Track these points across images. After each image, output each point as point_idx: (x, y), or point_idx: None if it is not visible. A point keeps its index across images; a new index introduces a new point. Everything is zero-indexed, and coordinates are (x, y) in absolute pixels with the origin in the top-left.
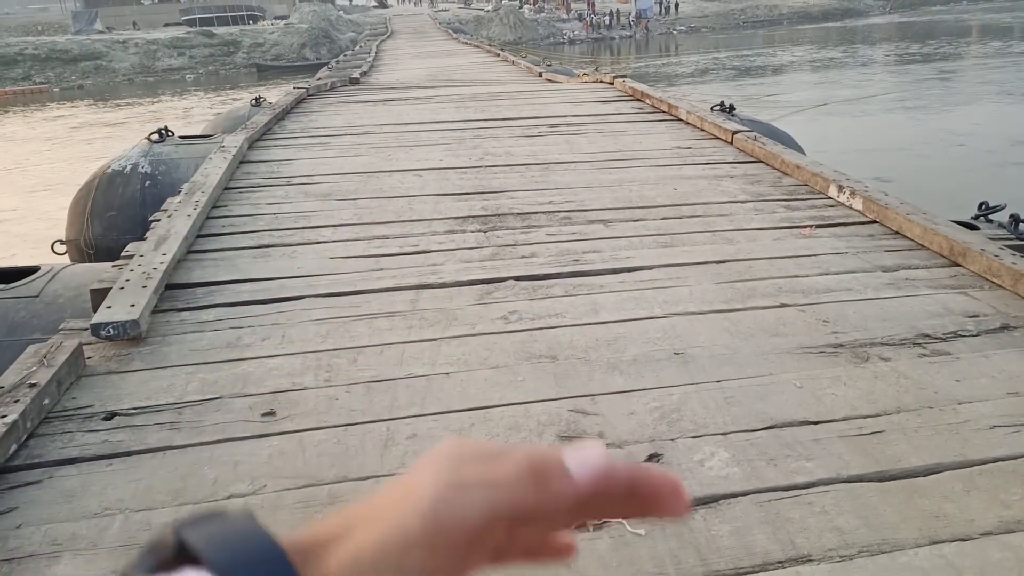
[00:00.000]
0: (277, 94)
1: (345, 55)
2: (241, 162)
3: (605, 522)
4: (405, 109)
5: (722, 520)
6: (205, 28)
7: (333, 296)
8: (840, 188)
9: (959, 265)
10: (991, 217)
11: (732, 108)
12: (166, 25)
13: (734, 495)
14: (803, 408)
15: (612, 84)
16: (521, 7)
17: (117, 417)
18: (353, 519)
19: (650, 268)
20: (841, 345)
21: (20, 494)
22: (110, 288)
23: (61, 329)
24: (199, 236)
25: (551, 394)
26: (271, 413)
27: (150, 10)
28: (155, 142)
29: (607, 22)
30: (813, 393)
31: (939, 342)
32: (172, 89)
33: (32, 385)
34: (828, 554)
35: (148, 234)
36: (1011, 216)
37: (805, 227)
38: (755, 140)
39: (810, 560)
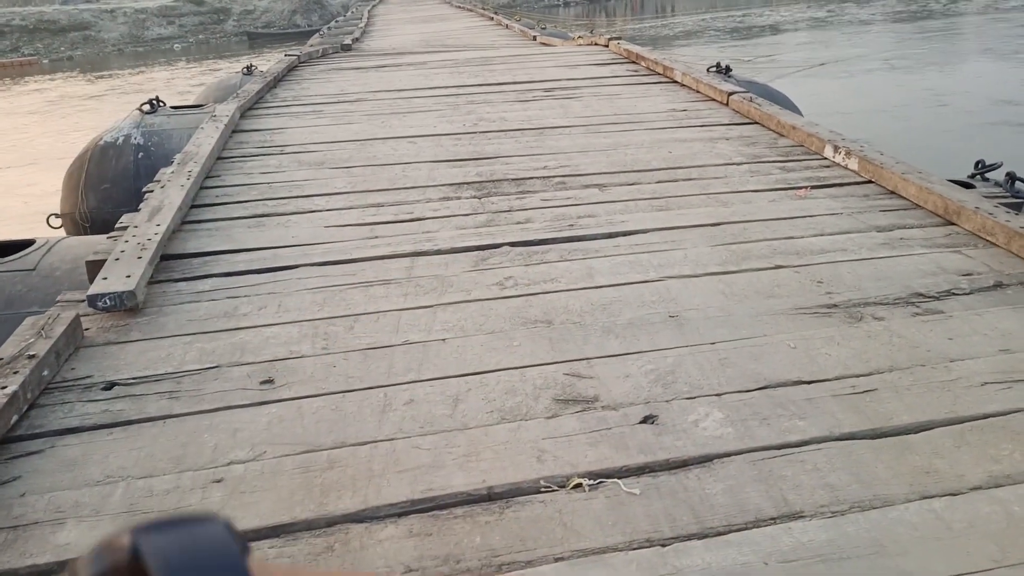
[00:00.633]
0: (267, 65)
1: (337, 21)
2: (233, 131)
3: (600, 482)
4: (398, 75)
5: (716, 479)
6: None
7: (328, 264)
8: (836, 148)
9: (954, 224)
10: (987, 175)
11: (728, 69)
12: None
13: (728, 455)
14: (796, 368)
15: (607, 47)
16: None
17: (117, 387)
18: None
19: (645, 232)
20: (835, 305)
21: (23, 463)
22: (105, 259)
23: (58, 301)
24: (193, 206)
25: (547, 358)
26: (269, 381)
27: None
28: (147, 113)
29: None
30: (806, 353)
31: (932, 301)
32: (160, 59)
33: (31, 356)
34: (820, 510)
35: (142, 205)
36: (1007, 174)
37: (801, 188)
38: (751, 101)
39: (802, 516)
